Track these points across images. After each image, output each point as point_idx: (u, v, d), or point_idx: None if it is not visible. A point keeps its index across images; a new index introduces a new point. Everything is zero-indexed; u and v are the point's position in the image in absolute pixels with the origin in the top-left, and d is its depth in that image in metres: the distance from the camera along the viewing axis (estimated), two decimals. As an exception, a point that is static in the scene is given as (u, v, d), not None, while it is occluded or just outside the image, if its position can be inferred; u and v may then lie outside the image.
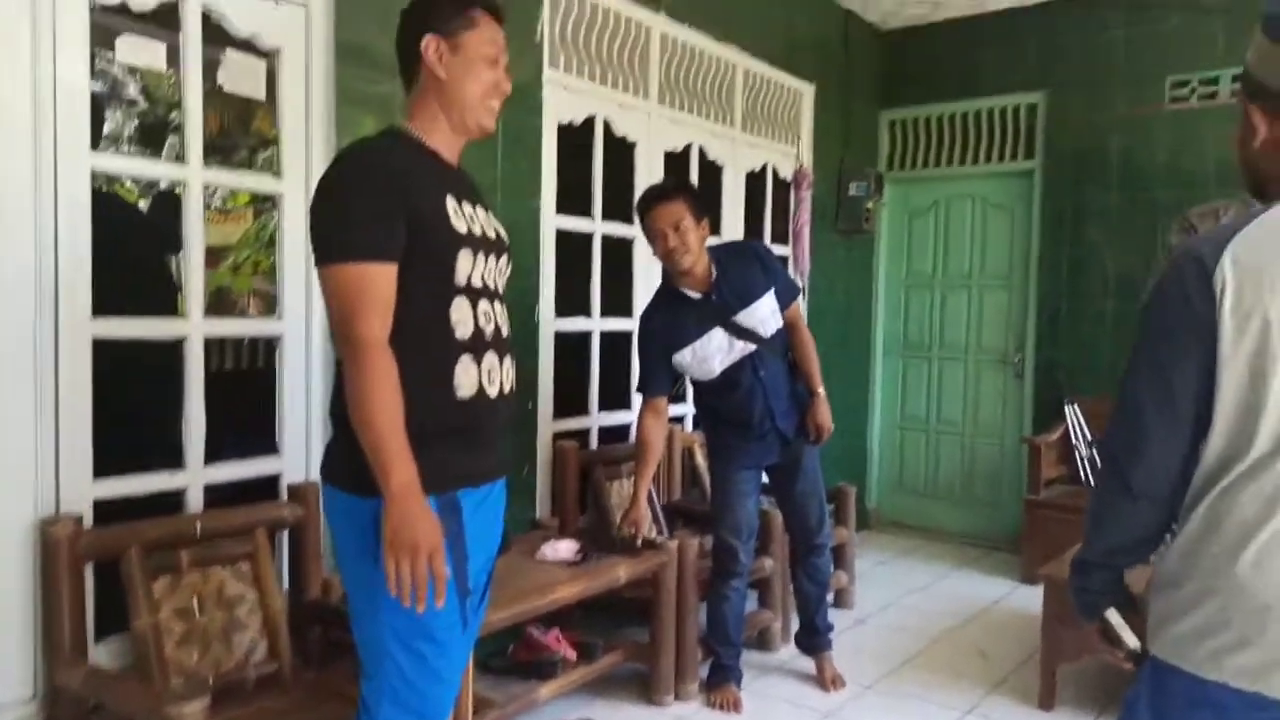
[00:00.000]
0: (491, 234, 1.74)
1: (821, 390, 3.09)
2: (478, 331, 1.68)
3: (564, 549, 3.00)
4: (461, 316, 1.65)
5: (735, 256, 3.04)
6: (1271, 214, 1.20)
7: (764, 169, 4.74)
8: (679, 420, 4.27)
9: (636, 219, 3.01)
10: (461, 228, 1.64)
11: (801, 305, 3.18)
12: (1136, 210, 4.86)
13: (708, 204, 4.33)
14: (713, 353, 2.92)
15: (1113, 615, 1.37)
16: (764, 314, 2.96)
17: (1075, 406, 4.88)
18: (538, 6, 3.31)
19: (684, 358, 2.94)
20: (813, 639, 3.35)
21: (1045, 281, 5.19)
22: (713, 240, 4.37)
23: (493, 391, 1.70)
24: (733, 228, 4.53)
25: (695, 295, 2.94)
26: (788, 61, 4.74)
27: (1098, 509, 1.34)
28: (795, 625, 3.46)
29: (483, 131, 1.75)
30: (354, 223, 1.53)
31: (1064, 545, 4.46)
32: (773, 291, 2.98)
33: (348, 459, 1.59)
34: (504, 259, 1.78)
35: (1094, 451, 4.79)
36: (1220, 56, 4.61)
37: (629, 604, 3.20)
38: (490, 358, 1.70)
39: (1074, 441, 4.88)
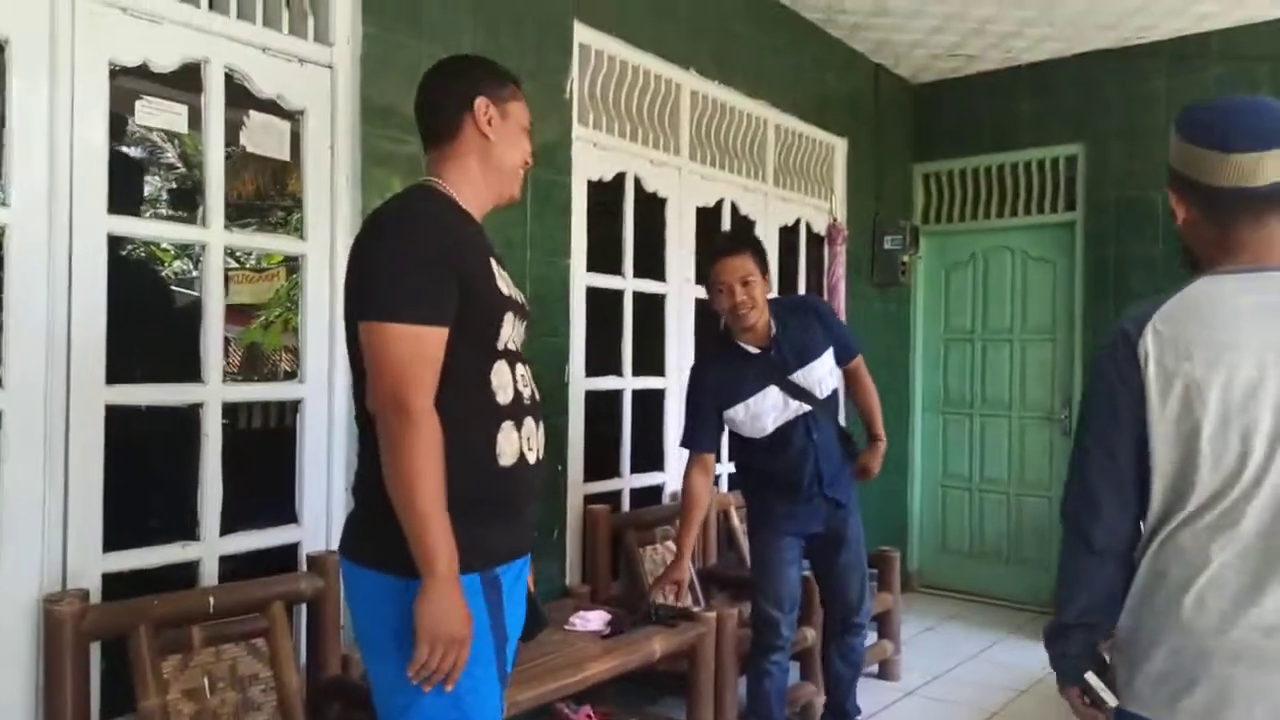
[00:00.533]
0: (520, 297, 1.71)
1: (883, 437, 3.05)
2: (517, 396, 1.62)
3: (594, 620, 2.86)
4: (502, 382, 1.60)
5: (795, 313, 2.93)
6: (1191, 289, 1.36)
7: (797, 223, 4.65)
8: (715, 481, 4.12)
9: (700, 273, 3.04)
10: (505, 290, 1.60)
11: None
12: (1182, 261, 4.69)
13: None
14: (767, 410, 2.81)
15: (1092, 678, 1.41)
16: (821, 374, 2.87)
17: (1127, 465, 4.67)
18: (567, 64, 3.28)
19: (737, 414, 2.83)
20: None
21: (1090, 334, 5.02)
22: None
23: (532, 458, 1.66)
24: (770, 285, 4.42)
25: (754, 350, 2.84)
26: (819, 116, 4.69)
27: (1068, 571, 1.42)
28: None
29: (511, 199, 1.78)
30: (411, 282, 1.48)
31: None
32: (830, 351, 2.90)
33: (380, 535, 1.51)
34: (526, 322, 1.74)
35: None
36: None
37: (663, 676, 3.04)
38: (529, 423, 1.65)
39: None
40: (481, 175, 1.67)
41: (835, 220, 4.85)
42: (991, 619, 4.98)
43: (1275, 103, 1.36)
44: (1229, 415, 1.28)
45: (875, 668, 3.94)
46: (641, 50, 3.59)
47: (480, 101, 1.65)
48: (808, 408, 2.84)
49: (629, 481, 3.68)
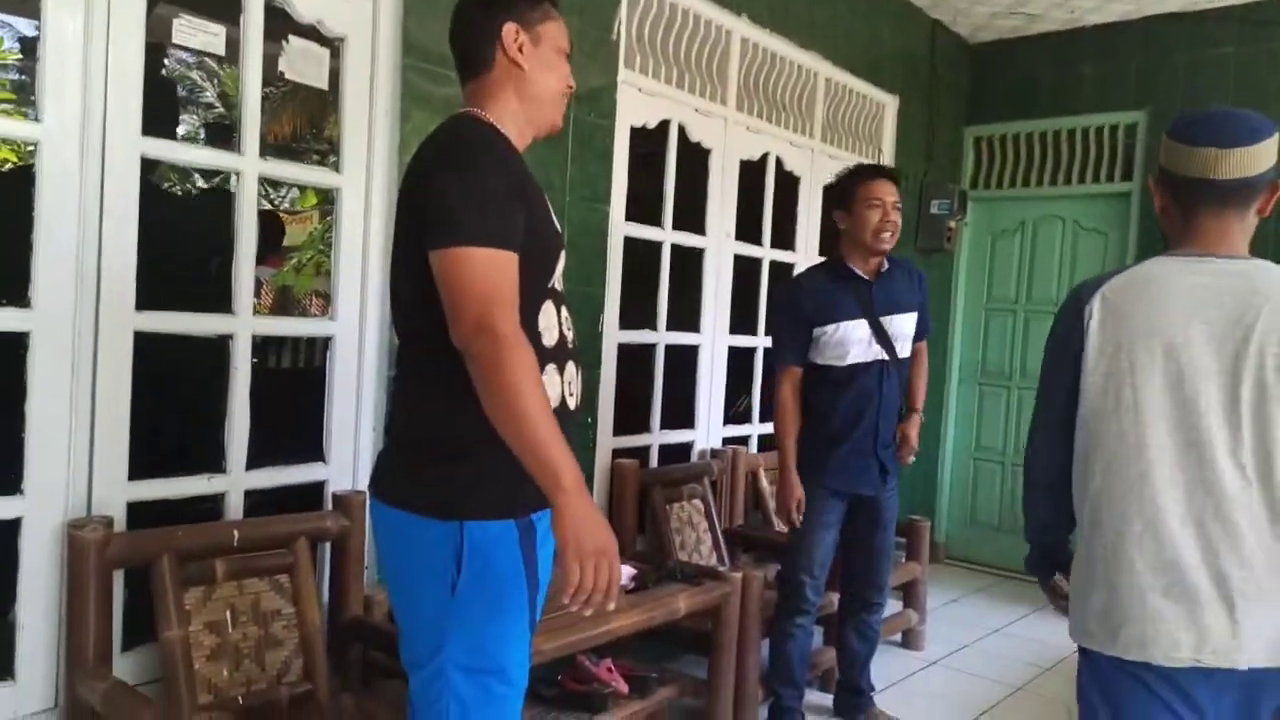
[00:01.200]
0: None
1: (921, 409, 3.00)
2: (562, 338, 1.57)
3: (623, 572, 2.82)
4: (549, 323, 1.54)
5: (904, 267, 2.98)
6: (1141, 266, 1.58)
7: (842, 182, 4.52)
8: (744, 441, 4.06)
9: (841, 191, 2.91)
10: (559, 227, 1.54)
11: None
12: (1162, 243, 4.52)
13: (783, 217, 4.16)
14: (855, 339, 2.81)
15: (1059, 578, 1.71)
16: (906, 329, 2.88)
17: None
18: (616, 3, 3.16)
19: (826, 331, 2.81)
20: (855, 699, 3.12)
21: (1140, 311, 4.86)
22: (788, 256, 4.20)
23: (572, 404, 1.61)
24: (808, 243, 4.32)
25: (862, 275, 2.84)
26: (871, 72, 4.53)
27: (1023, 501, 1.75)
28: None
29: (553, 129, 1.69)
30: (488, 207, 1.40)
31: None
32: (916, 315, 2.92)
33: (424, 480, 1.48)
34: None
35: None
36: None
37: (686, 634, 3.00)
38: (571, 368, 1.60)
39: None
40: (520, 106, 1.59)
41: (881, 181, 4.70)
42: (1018, 593, 4.90)
43: (1250, 114, 1.53)
44: (1144, 374, 1.49)
45: (899, 637, 3.89)
46: (693, -8, 3.46)
47: (509, 28, 1.56)
48: (886, 357, 2.83)
49: (659, 438, 3.62)
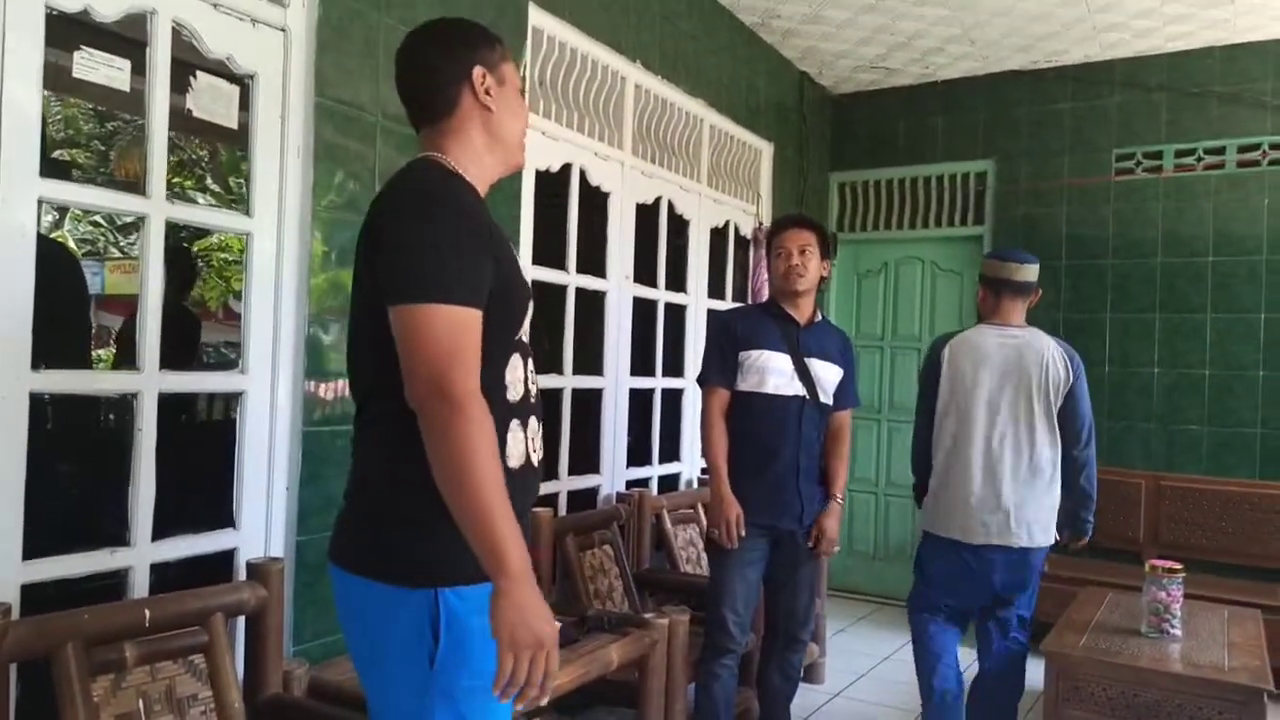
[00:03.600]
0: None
1: (841, 499, 3.01)
2: (526, 393, 1.51)
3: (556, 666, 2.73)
4: (515, 377, 1.48)
5: (835, 332, 3.11)
6: (970, 331, 3.09)
7: (726, 225, 4.65)
8: (644, 483, 4.06)
9: (766, 243, 3.12)
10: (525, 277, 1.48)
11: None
12: (1086, 277, 4.95)
13: (675, 260, 4.22)
14: (776, 369, 2.88)
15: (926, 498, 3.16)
16: (829, 377, 2.95)
17: (1029, 470, 4.89)
18: (520, 47, 3.14)
19: (750, 356, 2.88)
20: None
21: (996, 345, 5.22)
22: (681, 298, 4.25)
23: (536, 460, 1.56)
24: (697, 284, 4.39)
25: (794, 317, 2.94)
26: (749, 119, 4.69)
27: (912, 457, 3.26)
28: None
29: (517, 168, 1.66)
30: (453, 261, 1.34)
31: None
32: (841, 372, 3.00)
33: (393, 545, 1.39)
34: None
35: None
36: (1163, 131, 4.78)
37: (609, 685, 2.93)
38: (533, 423, 1.54)
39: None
40: (486, 149, 1.54)
41: (761, 224, 4.86)
42: (898, 620, 5.07)
43: (1024, 254, 3.15)
44: (968, 389, 2.98)
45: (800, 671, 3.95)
46: (592, 39, 3.49)
47: (478, 71, 1.52)
48: (806, 395, 2.88)
49: (567, 484, 3.57)
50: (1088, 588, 3.93)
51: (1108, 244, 4.91)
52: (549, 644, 1.29)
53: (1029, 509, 2.92)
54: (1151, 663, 2.87)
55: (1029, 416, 2.92)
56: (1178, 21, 4.36)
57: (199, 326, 4.25)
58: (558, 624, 1.31)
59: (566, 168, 3.48)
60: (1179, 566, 3.12)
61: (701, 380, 2.98)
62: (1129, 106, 4.87)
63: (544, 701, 1.32)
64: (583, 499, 3.70)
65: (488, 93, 1.52)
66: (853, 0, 4.23)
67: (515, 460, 1.48)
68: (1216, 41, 4.59)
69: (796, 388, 2.88)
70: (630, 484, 3.92)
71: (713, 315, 3.15)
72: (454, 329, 1.31)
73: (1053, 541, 3.02)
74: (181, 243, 7.31)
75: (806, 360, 2.90)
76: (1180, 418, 4.73)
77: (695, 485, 4.33)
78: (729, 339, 2.92)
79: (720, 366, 2.92)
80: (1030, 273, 3.05)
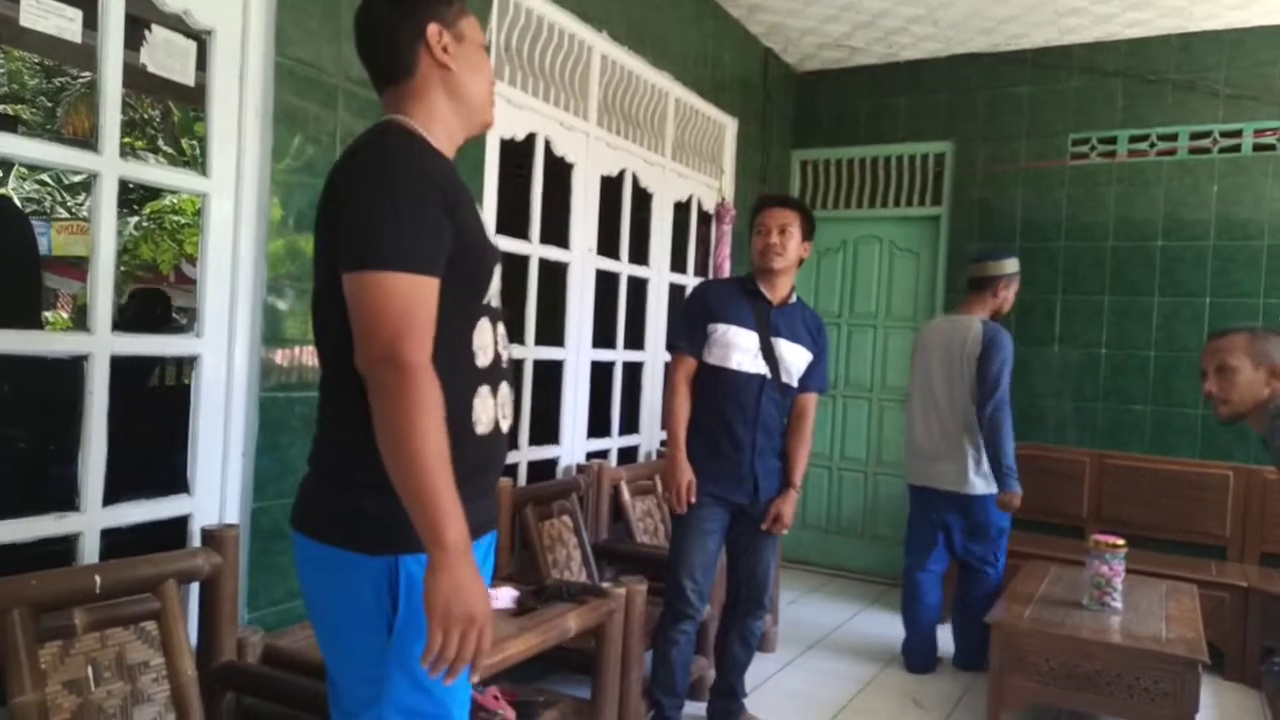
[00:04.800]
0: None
1: (799, 486, 3.03)
2: (496, 358, 1.51)
3: (503, 597, 2.74)
4: (484, 342, 1.47)
5: (810, 313, 3.11)
6: (935, 318, 4.37)
7: (689, 200, 4.64)
8: (604, 455, 4.07)
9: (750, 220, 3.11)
10: (494, 241, 1.46)
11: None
12: (1038, 260, 5.03)
13: (638, 233, 4.21)
14: (742, 345, 2.90)
15: None
16: (795, 360, 2.96)
17: (979, 448, 4.99)
18: (486, 11, 3.09)
19: (717, 329, 2.91)
20: (730, 704, 3.19)
21: (950, 324, 5.30)
22: (644, 271, 4.25)
23: (505, 426, 1.56)
24: (660, 258, 4.39)
25: (766, 296, 2.95)
26: (714, 94, 4.68)
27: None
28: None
29: (485, 127, 1.61)
30: (408, 227, 1.32)
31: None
32: (810, 356, 3.01)
33: (354, 512, 1.38)
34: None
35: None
36: (1119, 117, 4.86)
37: (565, 653, 2.96)
38: (504, 389, 1.54)
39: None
40: (450, 110, 1.51)
41: (723, 199, 4.87)
42: (849, 591, 5.20)
43: (991, 254, 4.08)
44: (922, 362, 3.93)
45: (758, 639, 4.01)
46: (559, 6, 3.44)
47: (433, 29, 1.48)
48: (768, 375, 2.90)
49: (527, 454, 3.56)
50: (1032, 561, 4.04)
51: (1061, 227, 5.00)
52: (481, 621, 1.28)
53: (946, 457, 3.78)
54: (1093, 634, 2.96)
55: (951, 382, 3.78)
56: (1136, 8, 4.43)
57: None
58: (497, 600, 1.30)
59: (531, 137, 3.44)
60: (1121, 542, 3.22)
61: (670, 346, 3.01)
62: (1085, 92, 4.94)
63: (475, 679, 1.33)
64: (542, 469, 3.71)
65: (445, 50, 1.49)
66: (819, -24, 4.23)
67: (484, 426, 1.48)
68: (1173, 29, 4.68)
69: (760, 366, 2.90)
70: (590, 455, 3.93)
71: (692, 289, 3.15)
72: (406, 297, 1.30)
73: (980, 490, 3.73)
74: (132, 203, 7.13)
75: (773, 340, 2.92)
76: (1125, 397, 4.85)
77: (654, 457, 4.35)
78: (701, 309, 2.94)
79: (690, 335, 2.94)
80: (983, 269, 3.92)
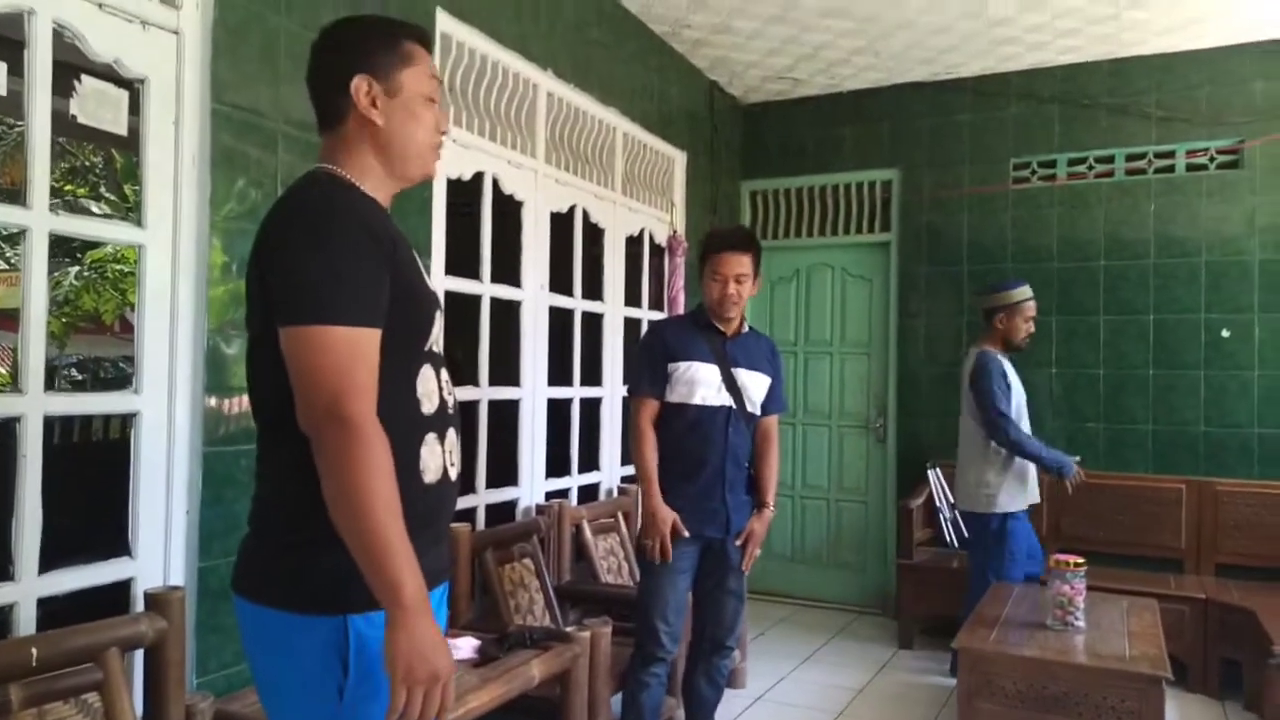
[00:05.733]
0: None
1: (772, 506, 3.02)
2: (442, 404, 1.47)
3: (464, 647, 2.67)
4: (428, 389, 1.43)
5: (763, 339, 3.13)
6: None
7: (641, 234, 4.65)
8: (564, 494, 4.01)
9: (700, 255, 3.04)
10: (433, 287, 1.43)
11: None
12: (984, 283, 5.10)
13: (591, 268, 4.20)
14: (704, 380, 2.89)
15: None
16: (756, 387, 2.96)
17: (938, 471, 4.99)
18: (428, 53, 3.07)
19: (679, 368, 2.90)
20: None
21: (904, 349, 5.35)
22: (598, 306, 4.23)
23: (454, 473, 1.51)
24: (614, 293, 4.38)
25: (720, 329, 2.95)
26: (662, 128, 4.71)
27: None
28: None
29: (425, 178, 1.56)
30: (346, 279, 1.28)
31: (939, 608, 4.54)
32: (769, 383, 3.01)
33: (296, 572, 1.33)
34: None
35: (956, 514, 4.93)
36: (1057, 141, 4.97)
37: (530, 701, 2.88)
38: (451, 435, 1.50)
39: (938, 504, 4.99)
40: (380, 162, 1.45)
41: (675, 232, 4.88)
42: (816, 621, 5.18)
43: (991, 284, 4.33)
44: (961, 396, 4.20)
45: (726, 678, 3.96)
46: (502, 46, 3.44)
47: (358, 82, 1.41)
48: (733, 405, 2.90)
49: (484, 497, 3.50)
50: (996, 583, 4.05)
51: (1007, 250, 5.09)
52: (444, 677, 1.25)
53: (963, 479, 4.05)
54: (1057, 655, 2.96)
55: (966, 412, 4.05)
56: (1068, 35, 4.55)
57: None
58: (458, 651, 1.25)
59: (479, 176, 3.42)
60: (1081, 560, 3.24)
61: (631, 391, 2.98)
62: (1024, 117, 5.05)
63: None
64: (501, 512, 3.64)
65: (374, 104, 1.42)
66: (761, 11, 4.29)
67: (433, 474, 1.44)
68: (1104, 55, 4.81)
69: (724, 398, 2.90)
70: (550, 495, 3.88)
71: (646, 327, 3.15)
72: (347, 350, 1.26)
73: (989, 509, 3.93)
74: (74, 252, 6.97)
75: (734, 370, 2.91)
76: (1078, 415, 4.92)
77: (615, 494, 4.30)
78: (660, 349, 2.93)
79: (651, 377, 2.92)
80: (979, 302, 4.28)
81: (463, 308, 3.35)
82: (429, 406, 1.44)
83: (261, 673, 1.42)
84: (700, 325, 2.97)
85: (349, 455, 1.22)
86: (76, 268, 7.54)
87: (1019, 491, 3.95)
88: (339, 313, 1.27)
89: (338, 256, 1.29)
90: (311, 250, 1.29)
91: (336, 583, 1.31)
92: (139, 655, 2.08)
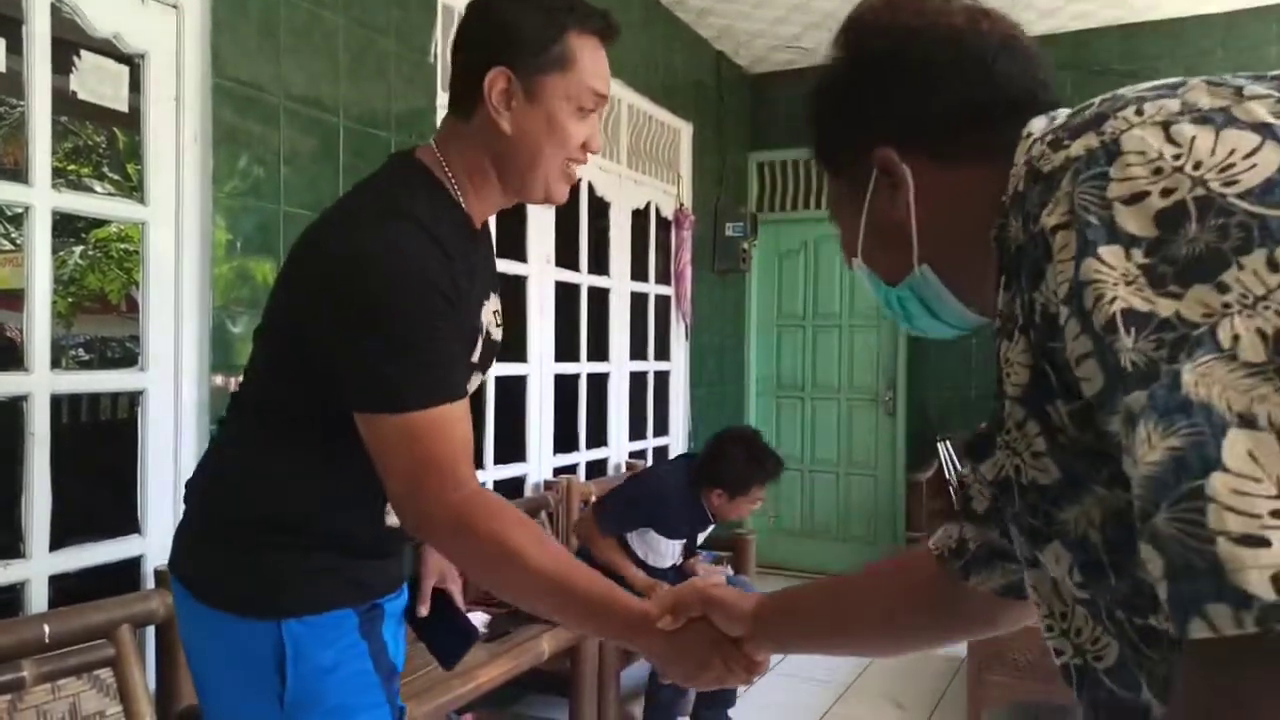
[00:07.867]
0: (496, 339, 1.39)
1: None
2: None
3: (474, 622, 2.68)
4: None
5: None
6: None
7: (648, 207, 4.61)
8: (572, 470, 4.02)
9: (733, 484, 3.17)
10: (476, 356, 1.29)
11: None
12: (997, 252, 5.07)
13: (597, 242, 4.17)
14: (664, 552, 3.19)
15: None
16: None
17: (947, 443, 4.98)
18: (430, 22, 3.04)
19: (648, 534, 3.15)
20: (716, 716, 3.21)
21: (913, 321, 5.32)
22: (604, 281, 4.20)
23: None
24: (620, 267, 4.36)
25: (712, 515, 3.19)
26: (668, 100, 4.66)
27: None
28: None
29: (548, 203, 1.30)
30: (430, 354, 1.12)
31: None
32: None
33: (236, 567, 1.23)
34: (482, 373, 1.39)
35: (966, 486, 4.93)
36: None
37: (541, 675, 2.90)
38: None
39: (948, 477, 4.98)
40: (496, 173, 1.22)
41: (682, 205, 4.84)
42: (826, 593, 5.17)
43: None
44: None
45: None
46: (505, 17, 3.39)
47: (494, 75, 1.16)
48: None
49: (492, 474, 3.50)
50: (1006, 555, 4.06)
51: (1018, 220, 5.04)
52: (706, 679, 1.23)
53: None
54: (1069, 625, 2.97)
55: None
56: (1079, 1, 4.47)
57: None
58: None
59: (483, 150, 3.39)
60: (1092, 531, 3.24)
61: (601, 525, 3.09)
62: (1037, 84, 4.98)
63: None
64: (509, 488, 3.65)
65: (507, 106, 1.17)
66: (767, -21, 4.23)
67: (395, 519, 1.25)
68: (1115, 20, 4.73)
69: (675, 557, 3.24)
70: (558, 471, 3.88)
71: (654, 475, 3.40)
72: (422, 436, 1.11)
73: None
74: (78, 231, 6.98)
75: (696, 538, 3.29)
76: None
77: (624, 469, 4.30)
78: (644, 519, 3.10)
79: (622, 526, 3.10)
80: None
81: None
82: None
83: (198, 669, 1.31)
84: (699, 517, 3.18)
85: (461, 553, 1.17)
86: (81, 247, 7.54)
87: None
88: (420, 396, 1.11)
89: (417, 330, 1.12)
90: (388, 330, 1.11)
91: (276, 582, 1.21)
92: (150, 632, 2.10)
